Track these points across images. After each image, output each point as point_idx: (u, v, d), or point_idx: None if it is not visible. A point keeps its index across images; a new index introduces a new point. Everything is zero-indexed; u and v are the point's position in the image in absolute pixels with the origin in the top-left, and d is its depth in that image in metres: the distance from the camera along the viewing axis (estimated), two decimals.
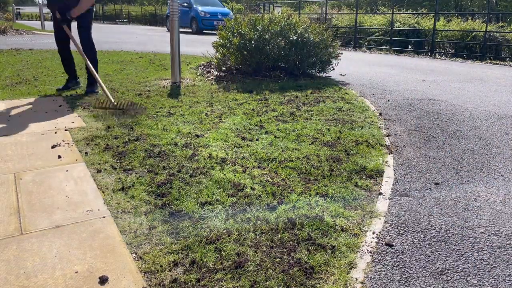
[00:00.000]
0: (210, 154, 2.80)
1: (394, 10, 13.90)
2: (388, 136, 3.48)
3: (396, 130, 3.68)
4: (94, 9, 4.59)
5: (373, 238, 1.88)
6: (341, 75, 6.76)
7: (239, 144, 3.03)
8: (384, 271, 1.65)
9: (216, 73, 6.23)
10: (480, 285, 1.58)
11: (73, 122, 3.47)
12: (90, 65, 4.32)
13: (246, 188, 2.30)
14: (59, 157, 2.68)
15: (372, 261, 1.71)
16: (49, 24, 22.94)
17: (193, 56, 8.49)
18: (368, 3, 29.65)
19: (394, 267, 1.68)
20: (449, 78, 6.94)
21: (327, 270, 1.62)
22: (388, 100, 4.94)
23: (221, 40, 6.37)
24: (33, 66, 6.58)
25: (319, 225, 1.94)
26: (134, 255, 1.67)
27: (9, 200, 2.10)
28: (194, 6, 17.15)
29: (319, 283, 1.55)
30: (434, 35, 11.79)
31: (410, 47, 12.95)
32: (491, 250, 1.82)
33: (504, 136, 3.57)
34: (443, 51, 12.57)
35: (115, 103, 3.82)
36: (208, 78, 5.94)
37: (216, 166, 2.60)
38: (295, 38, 5.87)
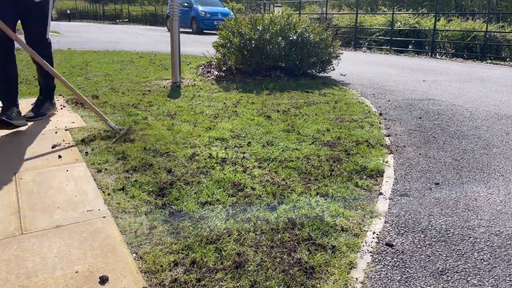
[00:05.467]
0: (210, 154, 2.80)
1: (395, 10, 13.90)
2: (388, 136, 3.48)
3: (396, 130, 3.68)
4: None
5: (373, 238, 1.88)
6: (342, 75, 6.76)
7: (240, 144, 3.03)
8: (384, 271, 1.65)
9: (216, 73, 6.23)
10: (480, 285, 1.58)
11: (73, 122, 3.47)
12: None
13: (246, 188, 2.30)
14: (60, 157, 2.68)
15: (373, 261, 1.71)
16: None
17: (193, 56, 8.49)
18: (368, 3, 29.63)
19: (395, 267, 1.68)
20: (450, 78, 6.93)
21: (327, 270, 1.62)
22: (389, 100, 4.94)
23: (221, 40, 6.37)
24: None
25: (319, 225, 1.94)
26: (134, 255, 1.67)
27: (10, 200, 2.10)
28: (195, 6, 17.15)
29: (319, 283, 1.55)
30: (434, 35, 11.79)
31: (410, 47, 12.96)
32: (492, 250, 1.82)
33: (505, 136, 3.57)
34: (443, 51, 12.57)
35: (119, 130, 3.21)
36: (209, 78, 5.94)
37: (217, 166, 2.61)
38: (295, 38, 5.87)
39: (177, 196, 2.17)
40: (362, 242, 1.84)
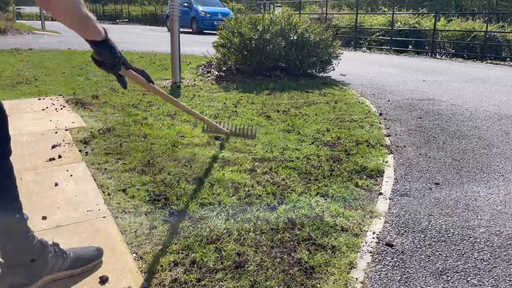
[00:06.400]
0: (210, 154, 2.80)
1: (395, 10, 13.90)
2: (388, 136, 3.48)
3: (396, 130, 3.68)
4: None
5: (373, 238, 1.88)
6: (342, 75, 6.76)
7: (239, 144, 3.03)
8: (384, 271, 1.65)
9: (216, 73, 6.23)
10: (480, 285, 1.58)
11: (73, 122, 3.47)
12: None
13: (246, 187, 2.30)
14: (60, 157, 2.68)
15: (373, 261, 1.71)
16: (49, 24, 22.96)
17: (193, 56, 8.49)
18: (368, 3, 29.64)
19: (395, 267, 1.68)
20: (450, 78, 6.93)
21: (327, 270, 1.62)
22: (389, 100, 4.93)
23: (221, 40, 6.37)
24: (34, 66, 6.59)
25: (319, 225, 1.94)
26: (134, 255, 1.67)
27: None
28: (195, 6, 17.14)
29: (319, 283, 1.55)
30: (434, 35, 11.80)
31: (410, 47, 12.95)
32: (492, 250, 1.82)
33: (505, 136, 3.57)
34: (443, 51, 12.57)
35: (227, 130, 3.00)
36: (209, 78, 5.94)
37: (216, 166, 2.60)
38: (295, 38, 5.87)
39: (177, 196, 2.17)
40: (362, 242, 1.84)
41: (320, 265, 1.64)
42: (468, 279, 1.62)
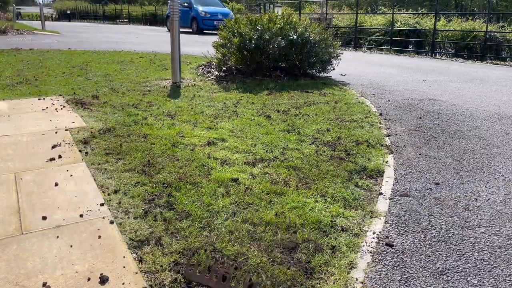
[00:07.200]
0: (210, 154, 2.80)
1: (395, 10, 13.90)
2: (388, 136, 3.48)
3: (396, 130, 3.68)
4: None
5: (373, 238, 1.88)
6: (342, 75, 6.75)
7: (239, 144, 3.03)
8: (384, 271, 1.65)
9: (216, 73, 6.23)
10: (480, 285, 1.58)
11: (73, 122, 3.47)
12: None
13: (246, 188, 2.30)
14: (60, 157, 2.68)
15: (373, 261, 1.71)
16: (49, 24, 22.94)
17: (193, 56, 8.49)
18: (368, 3, 29.64)
19: (395, 267, 1.68)
20: (450, 78, 6.93)
21: (327, 270, 1.62)
22: (389, 100, 4.93)
23: (221, 40, 6.37)
24: (34, 66, 6.58)
25: (319, 225, 1.93)
26: (134, 255, 1.67)
27: (10, 200, 2.10)
28: (195, 6, 17.15)
29: (319, 283, 1.55)
30: (434, 35, 11.79)
31: (410, 47, 12.95)
32: (492, 250, 1.82)
33: (505, 136, 3.56)
34: (443, 51, 12.57)
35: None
36: (209, 78, 5.93)
37: (216, 166, 2.60)
38: (295, 37, 5.87)
39: (177, 196, 2.17)
40: (362, 242, 1.84)
41: (320, 265, 1.64)
42: (468, 279, 1.62)
